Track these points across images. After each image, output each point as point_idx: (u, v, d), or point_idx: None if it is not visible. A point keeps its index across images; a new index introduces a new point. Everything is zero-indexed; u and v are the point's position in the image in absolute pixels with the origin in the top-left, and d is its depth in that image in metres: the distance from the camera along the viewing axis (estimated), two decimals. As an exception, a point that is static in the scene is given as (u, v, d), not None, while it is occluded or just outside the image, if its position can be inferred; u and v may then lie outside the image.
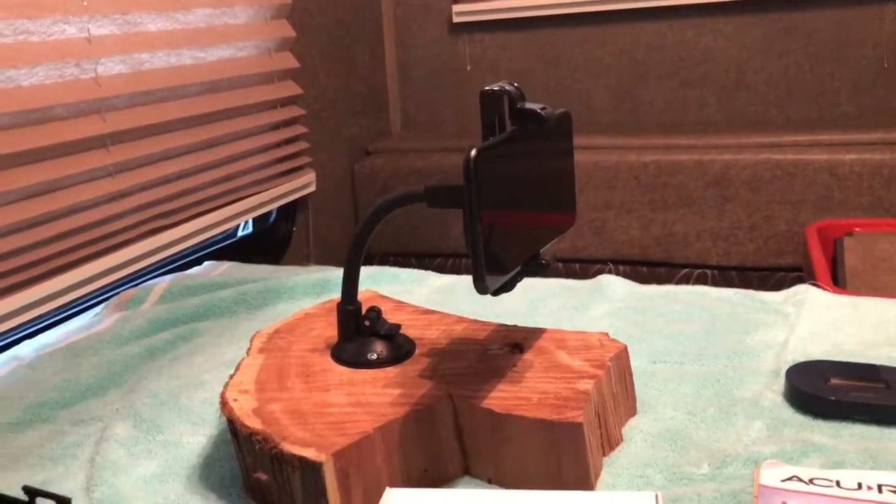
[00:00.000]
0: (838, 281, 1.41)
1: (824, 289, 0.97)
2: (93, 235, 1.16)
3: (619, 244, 1.76)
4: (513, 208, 0.62)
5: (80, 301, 1.22)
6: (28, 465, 0.71)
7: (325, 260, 1.82)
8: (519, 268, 0.64)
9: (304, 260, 1.76)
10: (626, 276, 1.73)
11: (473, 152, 0.57)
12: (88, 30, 1.15)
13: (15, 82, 1.05)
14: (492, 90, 0.61)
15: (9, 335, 1.12)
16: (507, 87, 0.62)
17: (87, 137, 1.13)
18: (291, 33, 1.58)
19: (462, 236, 1.86)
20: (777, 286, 1.65)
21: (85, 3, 1.13)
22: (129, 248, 1.22)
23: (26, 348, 0.98)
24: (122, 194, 1.21)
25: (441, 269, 1.88)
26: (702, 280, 1.72)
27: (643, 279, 1.74)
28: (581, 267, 1.80)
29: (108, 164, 1.17)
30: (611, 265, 1.78)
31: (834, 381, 0.71)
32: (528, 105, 0.63)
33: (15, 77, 1.05)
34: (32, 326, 1.15)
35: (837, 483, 0.57)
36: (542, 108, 0.63)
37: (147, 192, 1.25)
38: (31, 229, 1.07)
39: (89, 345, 0.95)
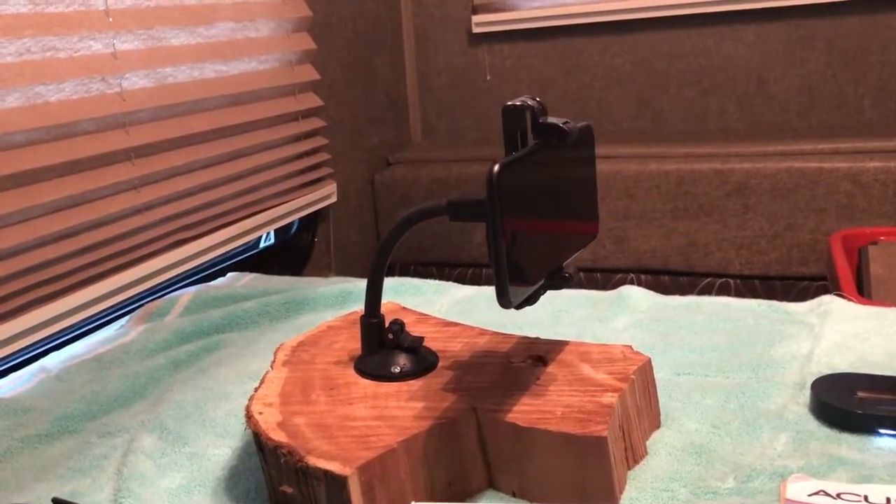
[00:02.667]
0: (863, 291, 1.40)
1: (849, 299, 0.96)
2: (118, 248, 1.17)
3: (641, 253, 1.75)
4: (535, 222, 0.62)
5: (105, 313, 1.23)
6: (57, 477, 0.72)
7: (346, 270, 1.83)
8: (542, 281, 0.64)
9: (325, 270, 1.76)
10: (647, 285, 1.73)
11: (496, 167, 0.57)
12: (114, 45, 1.16)
13: (42, 98, 1.06)
14: (514, 105, 0.62)
15: (36, 347, 1.14)
16: (529, 102, 0.62)
17: (112, 151, 1.14)
18: (312, 46, 1.59)
19: (483, 246, 1.87)
20: (801, 295, 1.64)
21: (110, 20, 1.14)
22: (154, 260, 1.23)
23: (53, 360, 0.99)
24: (147, 207, 1.22)
25: (462, 279, 1.89)
26: (724, 289, 1.70)
27: (665, 288, 1.73)
28: (602, 276, 1.80)
29: (133, 177, 1.18)
30: (632, 275, 1.78)
31: (861, 393, 0.71)
32: (551, 119, 0.63)
33: (42, 93, 1.06)
34: (59, 338, 1.17)
35: (865, 498, 0.57)
36: (565, 122, 0.63)
37: (171, 205, 1.27)
38: (57, 242, 1.08)
39: (116, 356, 0.96)
